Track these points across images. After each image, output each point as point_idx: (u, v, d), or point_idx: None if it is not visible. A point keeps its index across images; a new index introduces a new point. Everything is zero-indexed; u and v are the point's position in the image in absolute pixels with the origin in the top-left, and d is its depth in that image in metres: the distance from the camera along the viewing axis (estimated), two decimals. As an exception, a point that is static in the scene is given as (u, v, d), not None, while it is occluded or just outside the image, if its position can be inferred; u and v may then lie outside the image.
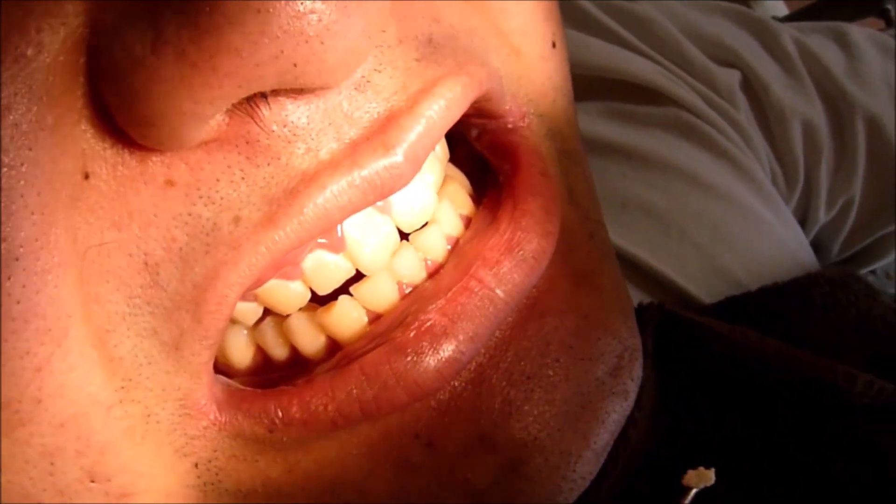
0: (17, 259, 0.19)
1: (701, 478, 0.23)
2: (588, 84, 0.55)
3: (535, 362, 0.24)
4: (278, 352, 0.26)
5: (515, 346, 0.25)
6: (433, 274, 0.26)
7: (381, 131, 0.22)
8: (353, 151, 0.22)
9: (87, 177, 0.20)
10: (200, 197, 0.21)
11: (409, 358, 0.23)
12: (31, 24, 0.18)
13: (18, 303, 0.19)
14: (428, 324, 0.23)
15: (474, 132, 0.28)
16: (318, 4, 0.18)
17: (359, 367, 0.23)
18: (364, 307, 0.25)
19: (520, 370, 0.24)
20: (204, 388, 0.23)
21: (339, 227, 0.24)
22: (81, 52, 0.19)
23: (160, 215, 0.20)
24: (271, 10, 0.17)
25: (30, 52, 0.18)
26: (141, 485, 0.22)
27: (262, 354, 0.27)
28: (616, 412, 0.25)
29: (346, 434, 0.24)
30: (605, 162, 0.52)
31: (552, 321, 0.25)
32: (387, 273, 0.25)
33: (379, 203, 0.24)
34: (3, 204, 0.18)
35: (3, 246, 0.18)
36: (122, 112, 0.19)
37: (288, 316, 0.26)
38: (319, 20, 0.18)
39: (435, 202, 0.26)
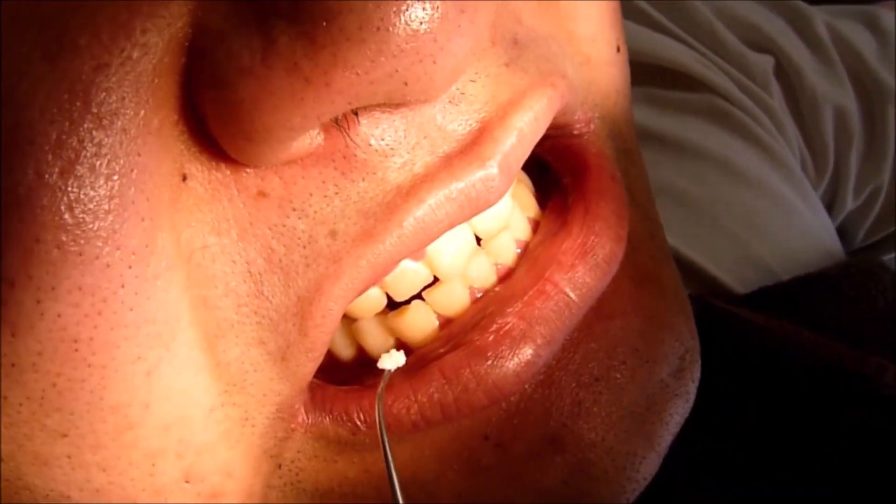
0: (129, 267, 0.19)
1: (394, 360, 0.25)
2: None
3: (603, 364, 0.25)
4: (346, 352, 0.27)
5: (584, 349, 0.25)
6: (503, 278, 0.26)
7: (475, 143, 0.22)
8: (449, 164, 0.21)
9: (184, 178, 0.19)
10: (294, 210, 0.20)
11: (489, 361, 0.23)
12: (137, 26, 0.18)
13: (131, 310, 0.19)
14: (507, 327, 0.23)
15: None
16: (435, 23, 0.17)
17: (438, 370, 0.23)
18: (436, 312, 0.26)
19: (588, 372, 0.25)
20: (302, 396, 0.23)
21: None
22: (183, 54, 0.18)
23: (255, 224, 0.20)
24: (391, 28, 0.17)
25: (136, 54, 0.18)
26: (230, 486, 0.23)
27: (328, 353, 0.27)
28: (678, 414, 0.26)
29: (420, 436, 0.24)
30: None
31: (618, 323, 0.25)
32: (460, 278, 0.25)
33: None
34: (114, 213, 0.18)
35: (117, 255, 0.18)
36: (221, 122, 0.19)
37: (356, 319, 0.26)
38: (435, 39, 0.18)
39: (510, 208, 0.26)
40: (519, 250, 0.27)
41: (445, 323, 0.26)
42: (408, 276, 0.25)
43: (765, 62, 0.56)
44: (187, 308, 0.20)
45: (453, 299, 0.25)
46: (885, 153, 0.58)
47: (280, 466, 0.24)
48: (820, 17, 0.59)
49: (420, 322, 0.25)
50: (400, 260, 0.22)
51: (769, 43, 0.57)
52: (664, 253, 0.29)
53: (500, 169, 0.22)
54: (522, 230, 0.27)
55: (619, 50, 0.28)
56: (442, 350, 0.24)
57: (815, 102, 0.56)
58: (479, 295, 0.26)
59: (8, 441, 0.20)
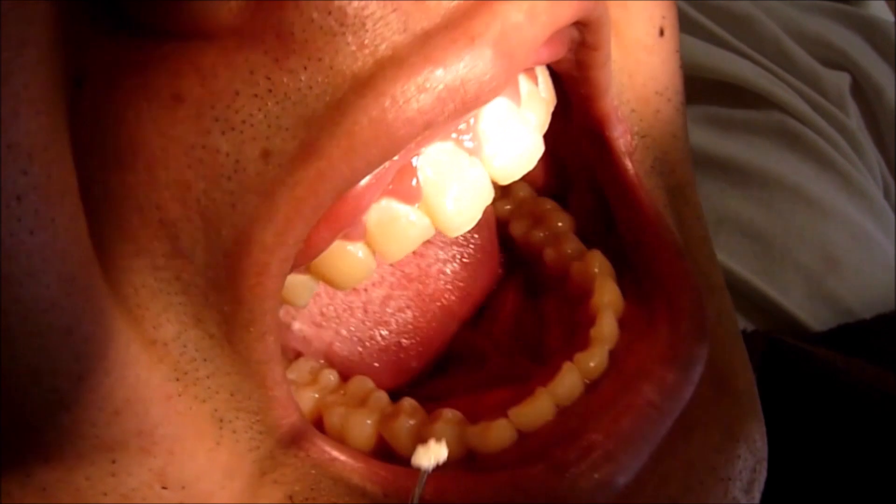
0: (29, 157, 0.14)
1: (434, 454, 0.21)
2: (680, 86, 0.50)
3: (681, 486, 0.23)
4: (405, 447, 0.23)
5: (662, 468, 0.22)
6: (589, 389, 0.23)
7: (466, 17, 0.17)
8: (425, 44, 0.17)
9: (78, 83, 0.15)
10: (216, 120, 0.16)
11: (567, 480, 0.20)
12: None
13: (31, 234, 0.15)
14: (589, 444, 0.21)
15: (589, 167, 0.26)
16: None
17: (509, 478, 0.20)
18: (517, 427, 0.22)
19: (665, 494, 0.22)
20: (281, 408, 0.19)
21: (413, 169, 0.20)
22: None
23: (168, 149, 0.16)
24: None
25: None
26: (221, 497, 0.19)
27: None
28: None
29: None
30: (699, 175, 0.48)
31: (698, 437, 0.23)
32: (547, 396, 0.22)
33: (468, 144, 0.20)
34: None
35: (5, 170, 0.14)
36: None
37: (432, 423, 0.22)
38: None
39: (540, 148, 0.22)
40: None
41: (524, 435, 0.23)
42: (399, 225, 0.20)
43: (840, 79, 0.51)
44: (95, 260, 0.16)
45: (540, 415, 0.22)
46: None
47: (291, 499, 0.20)
48: (899, 27, 0.54)
49: (501, 438, 0.22)
50: (355, 181, 0.17)
51: (844, 59, 0.52)
52: (732, 334, 0.26)
53: (495, 52, 0.17)
54: (613, 338, 0.24)
55: (662, 34, 0.24)
56: (513, 457, 0.22)
57: (898, 122, 0.51)
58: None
59: None
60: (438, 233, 0.24)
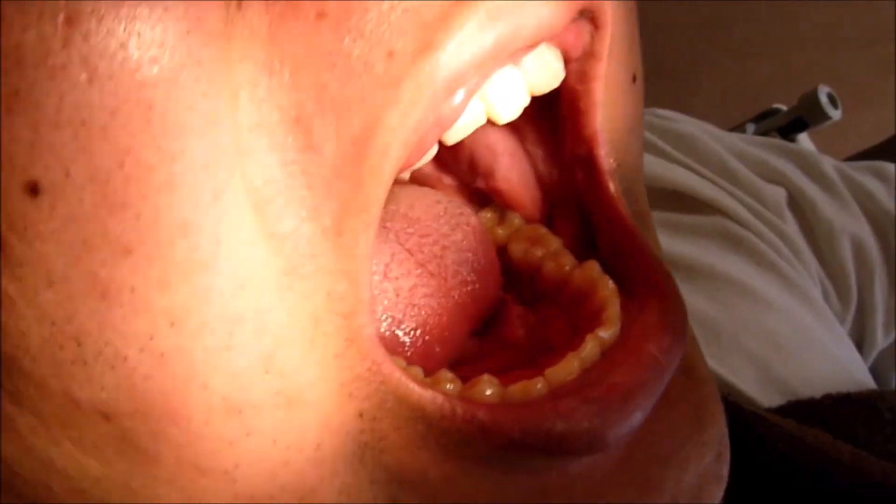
0: (183, 66, 0.17)
1: None
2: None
3: (668, 446, 0.25)
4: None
5: (653, 431, 0.25)
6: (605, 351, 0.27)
7: None
8: None
9: (239, 7, 0.18)
10: (350, 31, 0.19)
11: (597, 408, 0.23)
12: None
13: (200, 115, 0.17)
14: (612, 385, 0.24)
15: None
16: None
17: (552, 405, 0.23)
18: (546, 381, 0.25)
19: (656, 452, 0.25)
20: (366, 308, 0.21)
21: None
22: None
23: (311, 56, 0.19)
24: None
25: None
26: (309, 397, 0.20)
27: None
28: (718, 496, 0.26)
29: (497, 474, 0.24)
30: None
31: (680, 409, 0.26)
32: (575, 357, 0.26)
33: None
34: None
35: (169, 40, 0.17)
36: None
37: (474, 386, 0.25)
38: None
39: (561, 74, 0.27)
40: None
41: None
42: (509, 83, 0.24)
43: (777, 193, 0.56)
44: (233, 149, 0.18)
45: (569, 373, 0.25)
46: (910, 289, 0.56)
47: (361, 416, 0.21)
48: (828, 161, 0.60)
49: (533, 391, 0.25)
50: (462, 75, 0.20)
51: (780, 177, 0.57)
52: (695, 337, 0.30)
53: None
54: (620, 320, 0.28)
55: (634, 80, 0.29)
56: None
57: (832, 233, 0.55)
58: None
59: (61, 251, 0.17)
60: (455, 240, 0.29)
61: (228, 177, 0.18)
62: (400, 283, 0.28)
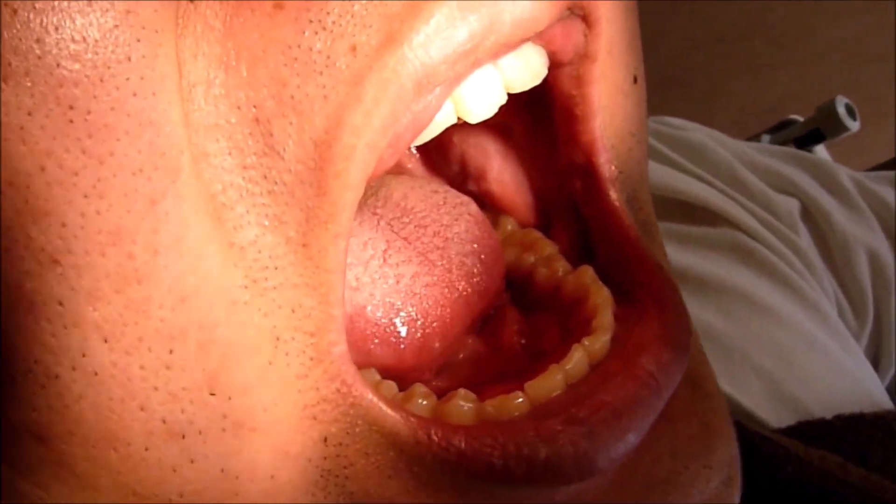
0: (128, 59, 0.16)
1: None
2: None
3: (668, 468, 0.24)
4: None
5: (652, 452, 0.24)
6: (595, 367, 0.25)
7: None
8: None
9: (192, 0, 0.17)
10: (311, 22, 0.18)
11: (584, 429, 0.21)
12: None
13: (129, 114, 0.16)
14: (599, 403, 0.22)
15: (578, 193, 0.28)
16: None
17: (533, 428, 0.21)
18: (529, 399, 0.24)
19: (655, 475, 0.24)
20: (337, 325, 0.20)
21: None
22: None
23: (268, 50, 0.18)
24: None
25: None
26: (263, 421, 0.19)
27: None
28: None
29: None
30: None
31: (680, 427, 0.25)
32: (559, 370, 0.24)
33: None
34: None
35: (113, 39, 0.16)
36: None
37: (448, 402, 0.23)
38: None
39: (544, 71, 0.25)
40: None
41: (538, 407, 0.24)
42: (481, 80, 0.22)
43: (790, 204, 0.54)
44: (188, 151, 0.17)
45: (552, 388, 0.24)
46: (930, 305, 0.54)
47: (326, 441, 0.20)
48: (843, 171, 0.58)
49: (519, 408, 0.23)
50: (431, 72, 0.19)
51: (793, 187, 0.55)
52: (699, 347, 0.28)
53: None
54: (612, 328, 0.26)
55: (636, 81, 0.27)
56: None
57: (847, 246, 0.53)
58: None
59: None
60: (458, 231, 0.28)
61: (169, 182, 0.17)
62: (401, 270, 0.26)
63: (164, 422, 0.18)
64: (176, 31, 0.17)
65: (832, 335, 0.50)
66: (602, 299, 0.26)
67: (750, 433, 0.39)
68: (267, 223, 0.18)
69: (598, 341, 0.25)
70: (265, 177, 0.18)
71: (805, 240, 0.54)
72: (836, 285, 0.54)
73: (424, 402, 0.22)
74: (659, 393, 0.23)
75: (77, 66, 0.15)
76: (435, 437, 0.20)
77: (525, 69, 0.24)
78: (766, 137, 0.94)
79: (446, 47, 0.19)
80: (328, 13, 0.18)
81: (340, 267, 0.19)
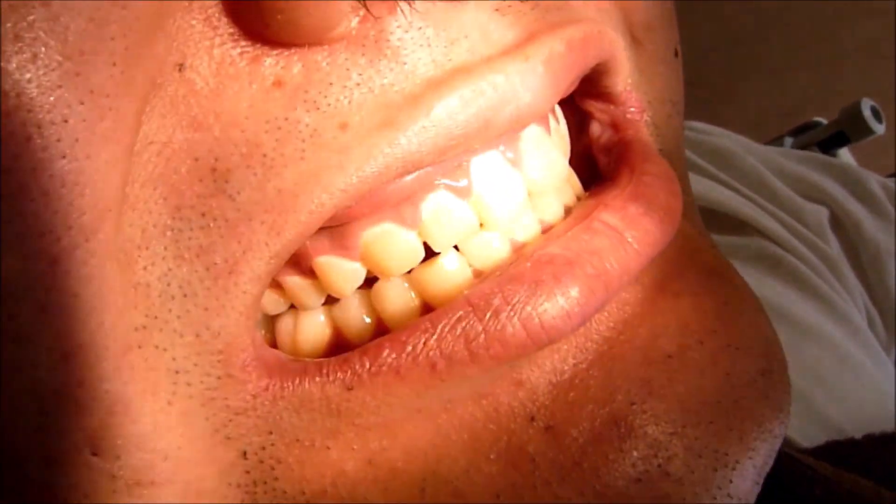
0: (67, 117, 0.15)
1: None
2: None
3: (675, 341, 0.20)
4: (354, 327, 0.22)
5: (650, 322, 0.21)
6: (546, 230, 0.22)
7: (519, 46, 0.19)
8: (488, 61, 0.19)
9: (180, 69, 0.16)
10: (304, 101, 0.17)
11: (525, 287, 0.19)
12: None
13: (51, 177, 0.15)
14: (548, 257, 0.19)
15: (596, 129, 0.25)
16: None
17: (464, 299, 0.19)
18: (471, 264, 0.21)
19: (657, 347, 0.20)
20: (250, 335, 0.18)
21: (467, 168, 0.21)
22: None
23: (252, 118, 0.17)
24: None
25: None
26: (164, 471, 0.17)
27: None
28: (773, 427, 0.20)
29: (446, 415, 0.19)
30: None
31: (689, 301, 0.21)
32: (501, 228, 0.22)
33: (510, 155, 0.21)
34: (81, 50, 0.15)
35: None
36: None
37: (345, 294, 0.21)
38: None
39: (566, 169, 0.23)
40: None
41: (478, 275, 0.22)
42: (452, 217, 0.21)
43: (819, 213, 0.53)
44: (115, 204, 0.16)
45: (493, 248, 0.21)
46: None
47: (245, 455, 0.18)
48: (873, 177, 0.57)
49: (451, 275, 0.21)
50: (420, 159, 0.18)
51: (822, 195, 0.54)
52: (729, 263, 0.24)
53: (545, 68, 0.19)
54: (570, 197, 0.24)
55: (676, 55, 0.26)
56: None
57: (878, 255, 0.52)
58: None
59: None
60: None
61: (82, 240, 0.16)
62: None
63: (47, 488, 0.17)
64: (146, 93, 0.16)
65: (863, 349, 0.49)
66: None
67: (778, 453, 0.37)
68: (187, 255, 0.17)
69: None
70: (203, 214, 0.17)
71: (834, 248, 0.53)
72: (865, 295, 0.52)
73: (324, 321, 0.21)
74: (623, 245, 0.20)
75: (7, 123, 0.14)
76: (366, 378, 0.18)
77: (545, 177, 0.23)
78: (788, 140, 0.93)
79: (439, 140, 0.18)
80: (325, 96, 0.17)
81: (261, 293, 0.18)
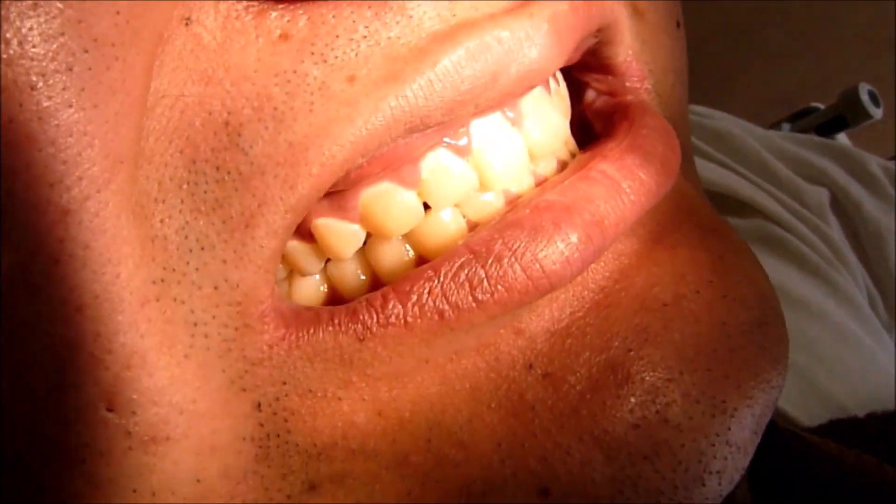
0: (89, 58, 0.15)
1: None
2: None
3: (671, 290, 0.20)
4: (350, 284, 0.22)
5: (646, 272, 0.21)
6: (540, 183, 0.22)
7: (523, 5, 0.19)
8: (493, 18, 0.19)
9: (187, 23, 0.17)
10: (312, 54, 0.17)
11: (525, 233, 0.19)
12: None
13: (57, 126, 0.15)
14: (546, 203, 0.19)
15: (591, 95, 0.25)
16: None
17: (465, 246, 0.19)
18: (465, 216, 0.21)
19: (654, 296, 0.20)
20: (269, 287, 0.18)
21: (467, 129, 0.21)
22: None
23: (261, 71, 0.17)
24: None
25: None
26: (179, 426, 0.17)
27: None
28: (771, 378, 0.20)
29: (451, 365, 0.20)
30: None
31: (685, 253, 0.21)
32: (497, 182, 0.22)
33: (510, 115, 0.21)
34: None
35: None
36: None
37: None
38: None
39: (566, 130, 0.23)
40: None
41: (473, 226, 0.22)
42: (451, 176, 0.21)
43: (819, 194, 0.53)
44: (130, 157, 0.16)
45: (490, 203, 0.21)
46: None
47: (260, 407, 0.18)
48: (873, 159, 0.57)
49: (446, 227, 0.21)
50: (427, 114, 0.18)
51: (822, 176, 0.54)
52: (726, 221, 0.25)
53: (549, 25, 0.19)
54: (566, 158, 0.24)
55: (679, 26, 0.26)
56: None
57: (880, 235, 0.52)
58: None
59: None
60: None
61: (94, 190, 0.16)
62: None
63: (57, 446, 0.17)
64: (154, 46, 0.16)
65: (865, 327, 0.49)
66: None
67: (782, 431, 0.38)
68: (203, 208, 0.17)
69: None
70: (217, 168, 0.17)
71: (835, 230, 0.53)
72: (867, 276, 0.53)
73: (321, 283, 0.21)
74: (620, 194, 0.20)
75: (8, 71, 0.14)
76: (378, 328, 0.18)
77: (546, 137, 0.23)
78: (786, 126, 0.93)
79: (446, 94, 0.18)
80: (332, 49, 0.18)
81: (282, 248, 0.18)
